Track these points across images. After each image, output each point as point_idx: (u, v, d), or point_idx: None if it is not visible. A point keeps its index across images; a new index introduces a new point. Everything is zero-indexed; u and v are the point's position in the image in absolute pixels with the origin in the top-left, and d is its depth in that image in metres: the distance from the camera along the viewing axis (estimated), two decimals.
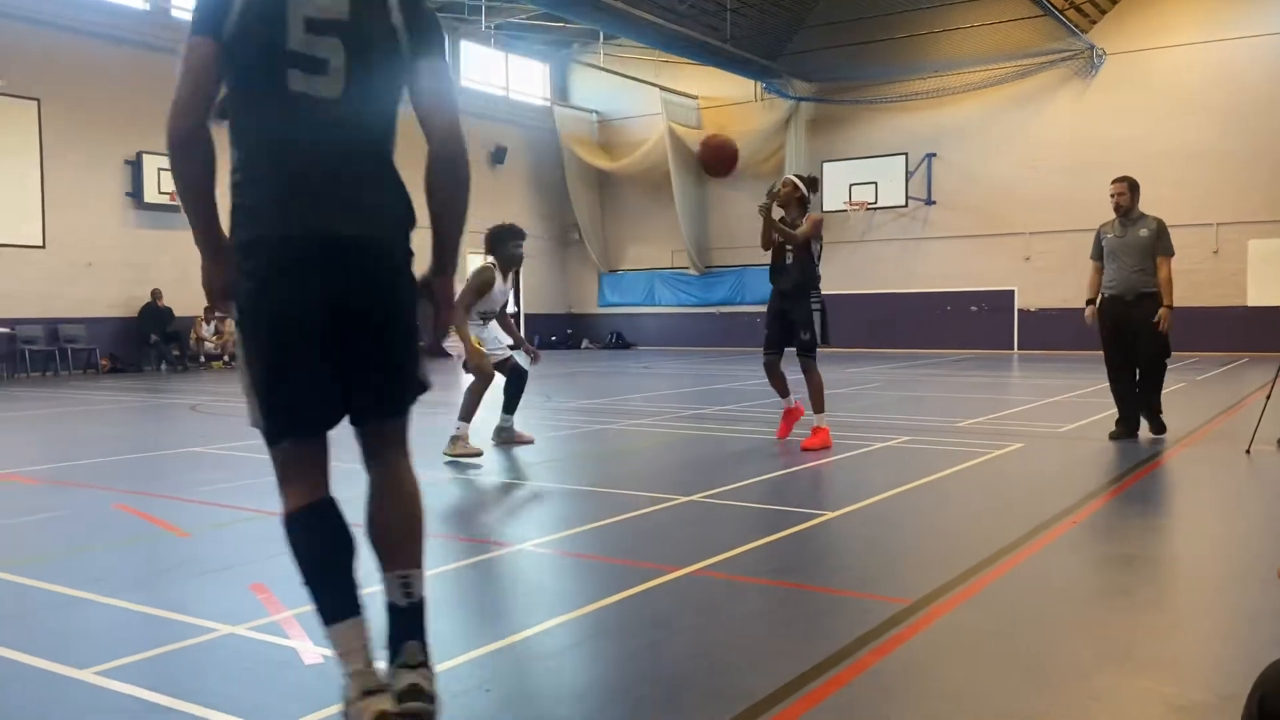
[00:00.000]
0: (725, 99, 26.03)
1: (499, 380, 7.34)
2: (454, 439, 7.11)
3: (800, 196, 7.67)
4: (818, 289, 7.61)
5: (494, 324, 7.43)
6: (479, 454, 7.12)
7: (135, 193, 18.79)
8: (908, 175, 23.40)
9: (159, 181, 18.66)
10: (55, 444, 8.92)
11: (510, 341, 7.50)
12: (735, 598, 3.85)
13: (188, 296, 18.67)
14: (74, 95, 17.81)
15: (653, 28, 20.45)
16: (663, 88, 25.67)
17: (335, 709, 2.53)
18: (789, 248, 7.56)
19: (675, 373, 17.76)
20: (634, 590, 3.79)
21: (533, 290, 27.98)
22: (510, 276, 7.50)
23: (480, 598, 3.89)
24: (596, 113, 28.32)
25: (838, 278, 25.14)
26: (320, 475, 2.53)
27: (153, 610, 3.62)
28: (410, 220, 2.54)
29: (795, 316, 7.54)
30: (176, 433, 9.62)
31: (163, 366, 18.66)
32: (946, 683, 2.90)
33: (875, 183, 23.62)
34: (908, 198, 23.47)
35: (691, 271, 27.05)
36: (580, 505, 5.77)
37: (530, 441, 7.56)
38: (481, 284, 7.22)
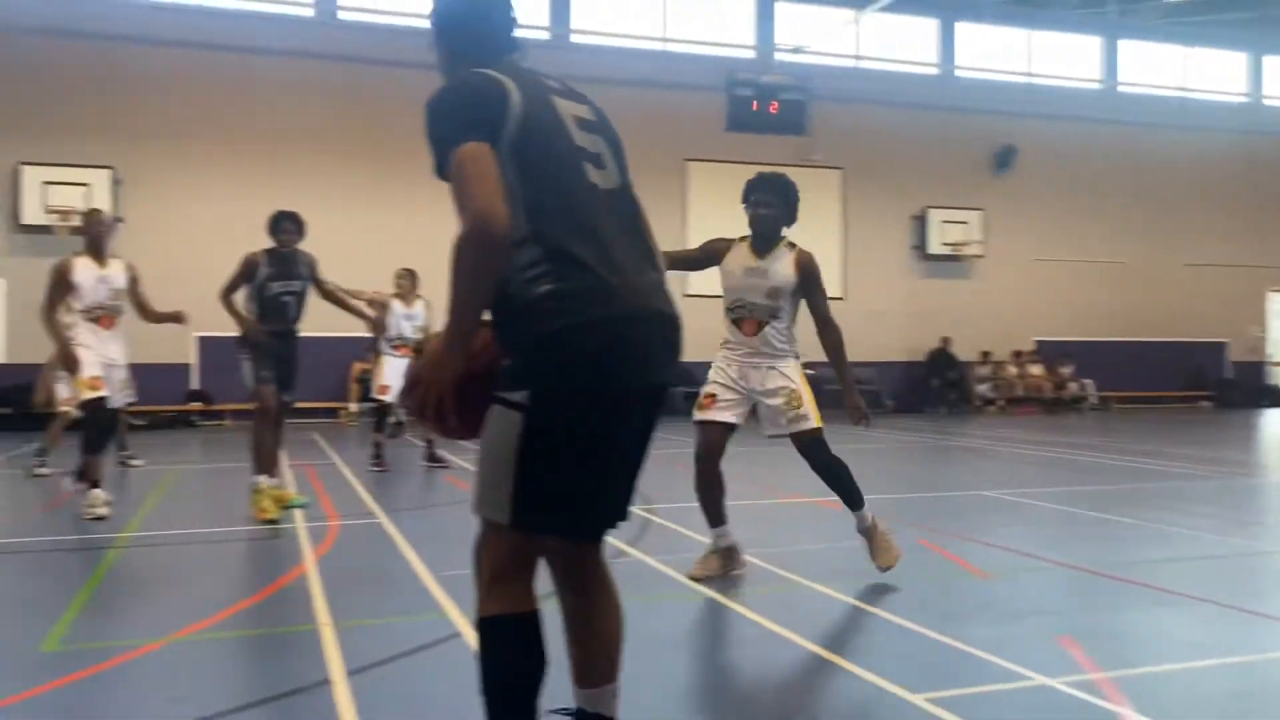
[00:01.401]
0: None
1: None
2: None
3: None
4: None
5: (735, 343, 5.01)
6: (713, 573, 5.07)
7: (920, 245, 20.24)
8: None
9: (942, 234, 19.87)
10: (861, 478, 9.88)
11: (736, 382, 4.98)
12: None
13: (967, 342, 19.73)
14: (870, 160, 19.82)
15: None
16: None
17: None
18: None
19: None
20: None
21: None
22: (784, 260, 4.94)
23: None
24: None
25: None
26: (534, 582, 2.32)
27: (964, 646, 3.79)
28: None
29: None
30: (964, 475, 10.01)
31: (943, 409, 19.64)
32: None
33: None
34: None
35: None
36: None
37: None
38: (704, 255, 5.04)
